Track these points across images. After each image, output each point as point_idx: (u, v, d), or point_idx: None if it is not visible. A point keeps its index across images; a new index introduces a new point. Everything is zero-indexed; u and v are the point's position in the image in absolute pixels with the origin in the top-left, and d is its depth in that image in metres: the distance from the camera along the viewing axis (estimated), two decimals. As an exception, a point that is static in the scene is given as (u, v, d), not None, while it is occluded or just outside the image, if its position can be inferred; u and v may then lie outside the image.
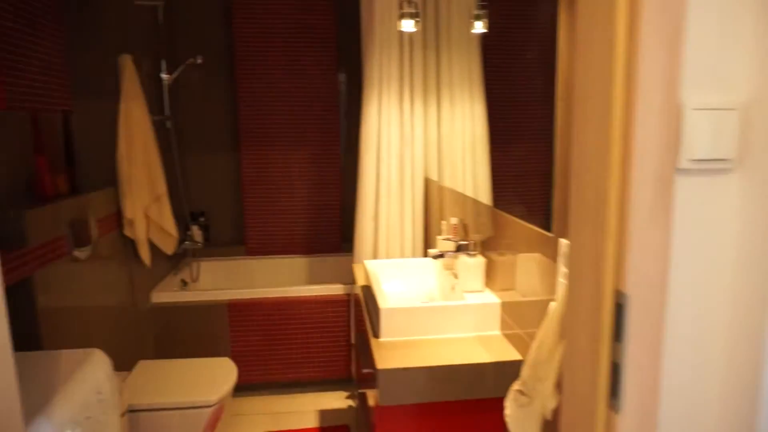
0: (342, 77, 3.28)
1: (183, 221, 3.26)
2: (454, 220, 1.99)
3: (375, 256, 2.59)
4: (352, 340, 2.73)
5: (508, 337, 1.57)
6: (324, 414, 2.61)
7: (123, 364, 2.26)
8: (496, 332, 1.62)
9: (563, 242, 1.15)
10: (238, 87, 3.13)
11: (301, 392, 2.82)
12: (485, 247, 1.78)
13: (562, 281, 1.15)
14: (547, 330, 1.03)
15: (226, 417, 2.52)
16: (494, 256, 1.68)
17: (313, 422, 2.53)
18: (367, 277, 1.99)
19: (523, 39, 1.49)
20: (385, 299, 1.68)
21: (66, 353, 1.32)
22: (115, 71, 2.26)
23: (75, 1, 2.17)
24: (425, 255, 2.67)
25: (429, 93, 2.53)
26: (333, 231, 3.36)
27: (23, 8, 1.83)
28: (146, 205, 2.38)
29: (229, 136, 3.31)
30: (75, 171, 2.04)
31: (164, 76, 2.83)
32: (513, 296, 1.54)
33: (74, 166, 2.04)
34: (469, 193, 2.01)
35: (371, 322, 1.67)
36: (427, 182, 2.63)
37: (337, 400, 2.73)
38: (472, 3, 2.13)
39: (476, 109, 2.02)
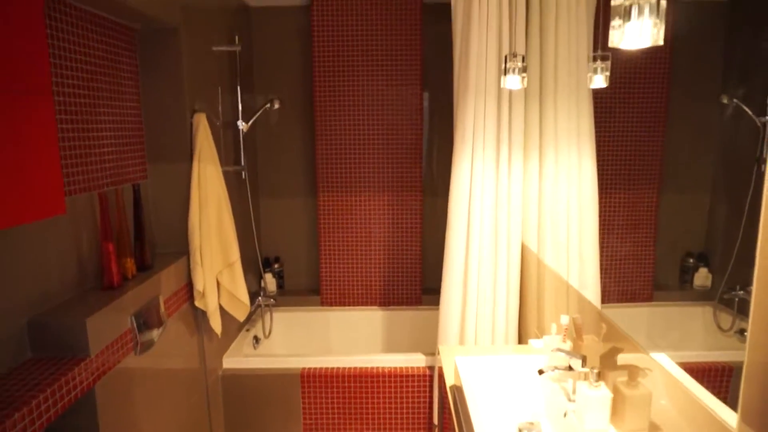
0: (425, 110, 3.03)
1: (257, 269, 3.12)
2: (564, 320, 1.66)
3: (462, 334, 2.30)
4: (435, 421, 2.46)
5: (642, 500, 1.23)
6: (401, 502, 2.36)
7: (191, 447, 2.12)
8: (626, 491, 1.29)
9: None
10: (316, 130, 2.95)
11: (377, 469, 2.58)
12: (602, 362, 1.45)
13: None
14: None
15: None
16: (621, 386, 1.35)
17: None
18: (457, 376, 1.71)
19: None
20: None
21: None
22: (188, 128, 2.11)
23: (149, 53, 2.01)
24: (519, 336, 2.35)
25: (530, 149, 2.20)
26: (413, 282, 3.10)
27: (105, 65, 1.69)
28: (218, 272, 2.23)
29: (307, 180, 3.14)
30: (144, 245, 1.91)
31: (240, 123, 2.69)
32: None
33: (143, 238, 1.90)
34: (574, 277, 1.68)
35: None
36: (524, 250, 2.30)
37: (416, 484, 2.47)
38: (582, 51, 1.81)
39: (585, 167, 1.72)
